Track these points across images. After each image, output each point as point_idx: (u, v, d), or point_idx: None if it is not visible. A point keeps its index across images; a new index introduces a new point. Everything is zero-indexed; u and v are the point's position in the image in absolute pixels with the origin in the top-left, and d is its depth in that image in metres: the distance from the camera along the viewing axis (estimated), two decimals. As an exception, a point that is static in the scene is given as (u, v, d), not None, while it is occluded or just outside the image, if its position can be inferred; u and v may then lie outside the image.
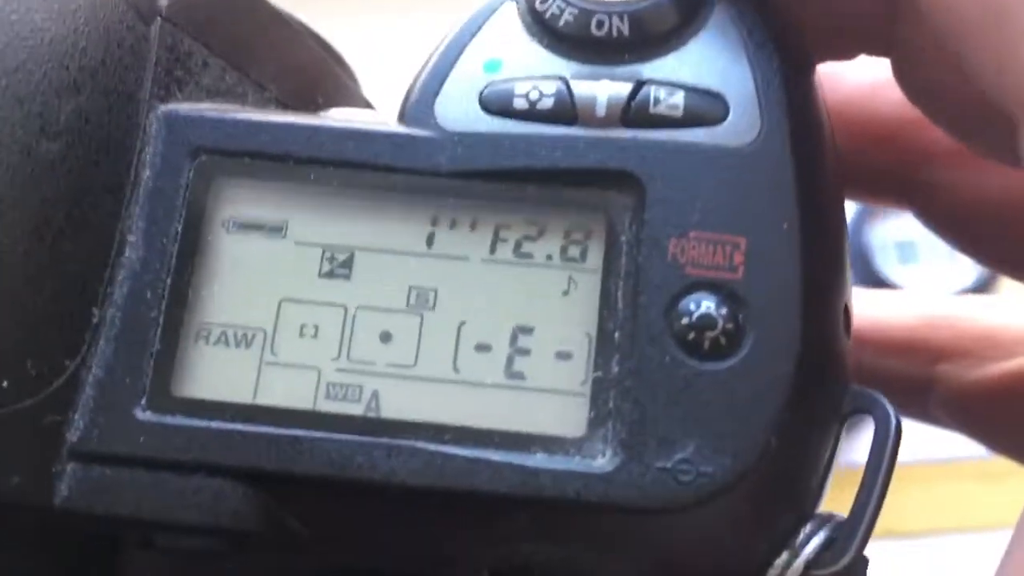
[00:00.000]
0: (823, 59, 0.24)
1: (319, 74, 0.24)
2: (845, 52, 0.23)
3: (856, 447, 0.22)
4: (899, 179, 0.26)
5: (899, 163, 0.26)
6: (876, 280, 0.57)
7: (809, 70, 0.20)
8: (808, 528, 0.17)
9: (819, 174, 0.18)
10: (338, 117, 0.20)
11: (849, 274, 0.20)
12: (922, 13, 0.20)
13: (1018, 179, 0.24)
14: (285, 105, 0.22)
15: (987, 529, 0.57)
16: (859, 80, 0.26)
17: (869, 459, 0.17)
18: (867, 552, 0.17)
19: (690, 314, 0.17)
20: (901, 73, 0.22)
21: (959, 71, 0.20)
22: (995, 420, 0.28)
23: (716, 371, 0.17)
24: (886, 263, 0.59)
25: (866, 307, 0.30)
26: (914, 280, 0.58)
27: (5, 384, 0.16)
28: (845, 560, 0.17)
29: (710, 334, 0.17)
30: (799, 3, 0.21)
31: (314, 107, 0.23)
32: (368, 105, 0.27)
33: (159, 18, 0.19)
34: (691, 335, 0.17)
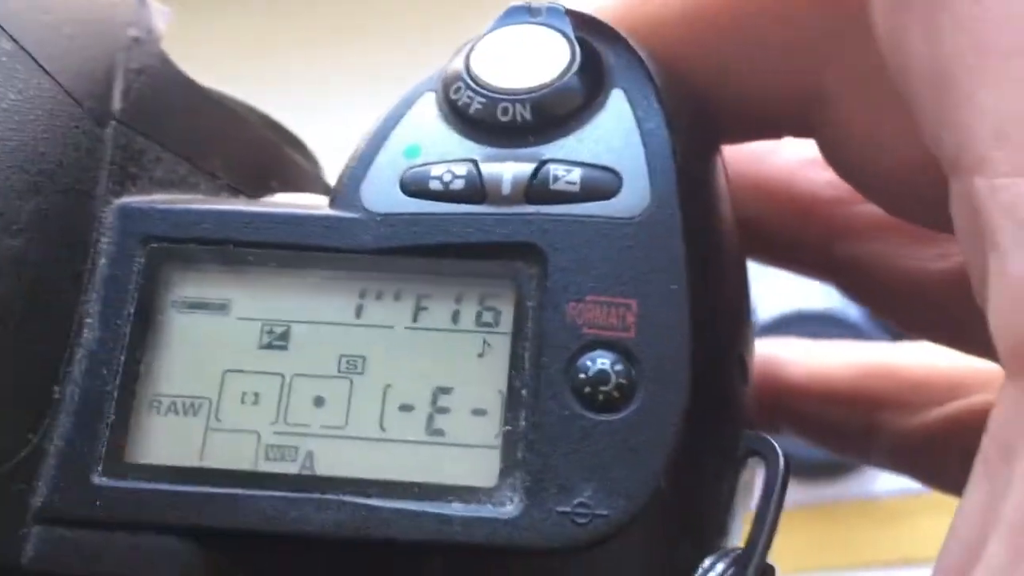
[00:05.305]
0: (748, 139, 0.25)
1: (270, 160, 0.26)
2: (769, 133, 0.25)
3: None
4: (819, 253, 0.28)
5: (819, 238, 0.27)
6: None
7: (707, 148, 0.22)
8: (707, 562, 0.19)
9: (709, 239, 0.20)
10: (278, 202, 0.22)
11: (749, 327, 0.22)
12: (842, 98, 0.22)
13: (928, 253, 0.26)
14: (237, 191, 0.24)
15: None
16: (784, 160, 0.27)
17: (761, 496, 0.19)
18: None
19: (587, 370, 0.19)
20: (828, 151, 0.24)
21: (886, 148, 0.22)
22: (934, 464, 0.30)
23: (610, 422, 0.18)
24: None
25: (808, 358, 0.31)
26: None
27: (-26, 457, 0.18)
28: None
29: (604, 388, 0.18)
30: (713, 90, 0.23)
31: (267, 191, 0.25)
32: (325, 185, 0.29)
33: (113, 121, 0.21)
34: (587, 390, 0.19)
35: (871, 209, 0.25)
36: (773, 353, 0.31)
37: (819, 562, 0.74)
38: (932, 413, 0.29)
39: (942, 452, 0.29)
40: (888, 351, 0.31)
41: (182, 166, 0.22)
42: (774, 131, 0.25)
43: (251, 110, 0.28)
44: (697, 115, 0.22)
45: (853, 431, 0.31)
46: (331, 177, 0.30)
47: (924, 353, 0.31)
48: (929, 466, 0.30)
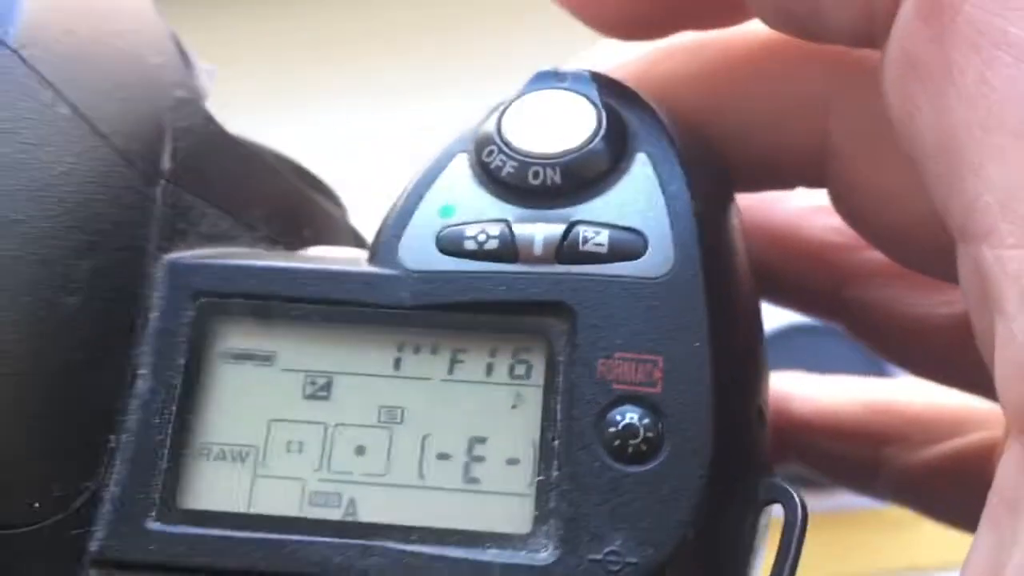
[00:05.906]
0: (760, 188, 0.27)
1: (303, 209, 0.27)
2: (781, 184, 0.26)
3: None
4: (827, 297, 0.29)
5: (827, 282, 0.29)
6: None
7: (724, 205, 0.23)
8: (730, 605, 0.20)
9: (729, 296, 0.21)
10: (318, 256, 0.23)
11: (766, 375, 0.23)
12: (849, 154, 0.23)
13: (933, 300, 0.27)
14: (275, 241, 0.25)
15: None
16: (794, 206, 0.29)
17: (781, 541, 0.20)
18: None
19: (616, 424, 0.20)
20: (837, 202, 0.25)
21: (893, 201, 0.23)
22: (935, 499, 0.31)
23: (638, 474, 0.19)
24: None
25: (815, 394, 0.33)
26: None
27: (36, 505, 0.19)
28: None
29: (633, 442, 0.20)
30: (727, 143, 0.24)
31: (300, 241, 0.26)
32: (352, 231, 0.30)
33: (162, 180, 0.22)
34: (616, 442, 0.20)
35: (878, 255, 0.27)
36: (782, 388, 0.32)
37: (824, 570, 0.75)
38: (935, 449, 0.31)
39: (944, 487, 0.30)
40: (892, 388, 0.33)
41: (225, 220, 0.24)
42: (786, 182, 0.26)
43: (280, 158, 0.29)
44: (715, 172, 0.23)
45: (858, 465, 0.32)
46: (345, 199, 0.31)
47: (927, 391, 0.32)
48: (931, 500, 0.31)
